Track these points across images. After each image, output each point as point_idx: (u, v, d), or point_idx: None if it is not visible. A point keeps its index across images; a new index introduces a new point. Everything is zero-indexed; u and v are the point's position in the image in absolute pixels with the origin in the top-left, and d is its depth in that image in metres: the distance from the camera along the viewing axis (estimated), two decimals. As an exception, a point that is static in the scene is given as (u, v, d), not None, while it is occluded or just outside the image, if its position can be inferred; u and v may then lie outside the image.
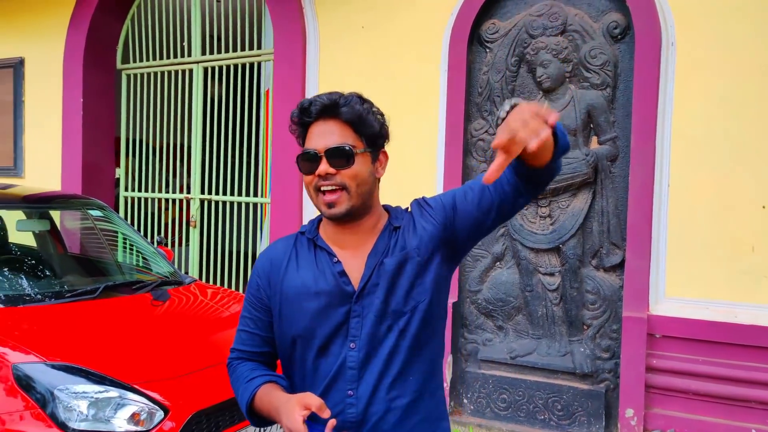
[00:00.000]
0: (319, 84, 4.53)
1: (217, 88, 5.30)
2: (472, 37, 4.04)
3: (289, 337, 1.45)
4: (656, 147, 3.61)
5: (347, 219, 1.43)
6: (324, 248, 1.46)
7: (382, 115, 1.47)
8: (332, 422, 1.27)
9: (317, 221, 1.53)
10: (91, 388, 2.48)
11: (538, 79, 3.84)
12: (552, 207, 3.87)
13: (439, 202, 1.48)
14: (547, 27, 3.82)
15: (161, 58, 5.48)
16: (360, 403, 1.39)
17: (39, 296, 3.19)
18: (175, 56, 5.40)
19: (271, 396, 1.40)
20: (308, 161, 1.40)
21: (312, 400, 1.27)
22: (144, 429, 2.46)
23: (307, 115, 1.41)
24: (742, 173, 3.46)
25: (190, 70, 5.31)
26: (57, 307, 3.07)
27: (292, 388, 1.49)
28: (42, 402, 2.42)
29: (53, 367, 2.53)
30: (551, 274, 3.89)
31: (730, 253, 3.50)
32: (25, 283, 3.46)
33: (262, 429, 2.91)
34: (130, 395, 2.50)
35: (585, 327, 3.85)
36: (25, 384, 2.46)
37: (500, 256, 4.03)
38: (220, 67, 5.20)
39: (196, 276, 5.26)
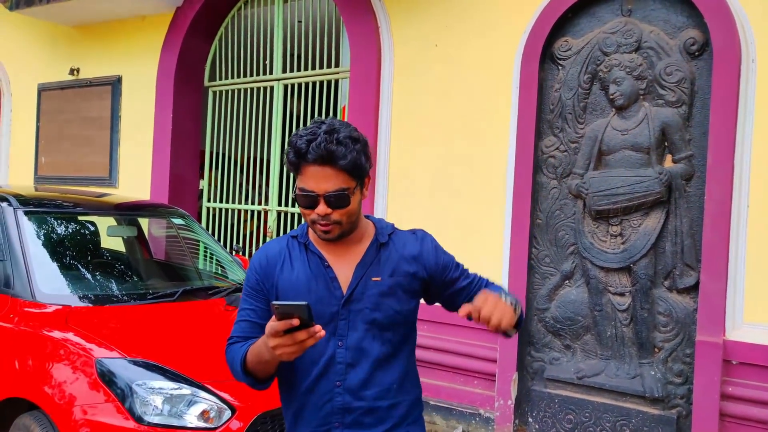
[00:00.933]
0: (392, 101, 4.66)
1: (296, 105, 5.54)
2: (545, 55, 4.06)
3: None
4: (735, 167, 3.50)
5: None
6: (315, 252, 1.64)
7: (366, 143, 1.59)
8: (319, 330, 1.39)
9: (307, 226, 1.68)
10: (167, 385, 2.65)
11: (611, 97, 3.81)
12: (623, 226, 3.81)
13: (441, 256, 1.70)
14: (621, 44, 3.80)
15: (245, 75, 5.79)
16: (346, 394, 1.58)
17: (125, 297, 3.44)
18: (258, 74, 5.69)
19: (257, 342, 1.55)
20: (306, 198, 1.54)
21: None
22: (212, 426, 2.60)
23: (303, 160, 1.52)
24: (829, 195, 3.30)
25: (272, 87, 5.58)
26: (140, 308, 3.30)
27: (280, 373, 1.64)
28: (121, 396, 2.60)
29: (133, 363, 2.73)
30: (621, 294, 3.82)
31: (815, 278, 3.33)
32: (113, 284, 3.74)
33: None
34: (202, 393, 2.65)
35: (656, 350, 3.75)
36: (107, 378, 2.65)
37: (569, 275, 4.00)
38: (300, 84, 5.43)
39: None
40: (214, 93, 6.06)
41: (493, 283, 1.74)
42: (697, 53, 3.64)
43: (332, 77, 5.19)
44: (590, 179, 3.87)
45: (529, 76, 4.07)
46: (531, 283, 4.12)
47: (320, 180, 1.51)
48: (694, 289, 3.65)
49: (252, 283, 1.68)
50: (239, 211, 5.97)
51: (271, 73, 5.58)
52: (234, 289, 3.78)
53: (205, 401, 2.64)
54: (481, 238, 4.25)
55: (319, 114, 5.31)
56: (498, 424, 4.04)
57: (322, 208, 1.52)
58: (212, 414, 2.63)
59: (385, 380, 1.60)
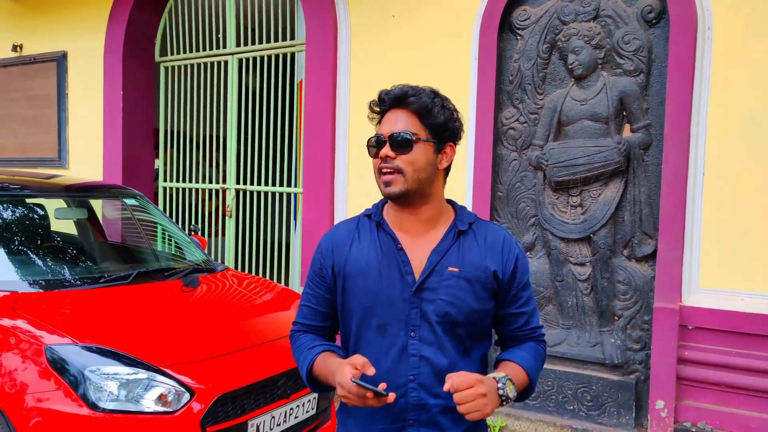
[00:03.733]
0: (350, 74, 4.56)
1: (252, 79, 5.38)
2: (503, 25, 4.01)
3: (350, 313, 1.55)
4: (691, 135, 3.53)
5: (405, 202, 1.52)
6: (388, 232, 1.54)
7: (455, 111, 1.56)
8: (383, 385, 1.34)
9: (381, 205, 1.61)
10: (122, 370, 2.56)
11: (570, 66, 3.79)
12: (583, 196, 3.82)
13: (521, 268, 1.57)
14: (579, 12, 3.77)
15: (198, 50, 5.59)
16: (421, 390, 1.48)
17: (77, 281, 3.31)
18: (211, 48, 5.50)
19: (327, 362, 1.50)
20: (375, 145, 1.52)
21: (358, 359, 1.36)
22: (171, 410, 2.53)
23: (382, 104, 1.54)
24: (780, 161, 3.36)
25: (226, 62, 5.40)
26: (92, 292, 3.16)
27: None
28: (74, 383, 2.50)
29: (86, 349, 2.62)
30: (582, 264, 3.85)
31: (765, 243, 3.40)
32: (64, 268, 3.59)
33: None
34: (159, 377, 2.57)
35: (616, 318, 3.80)
36: (58, 366, 2.55)
37: (531, 246, 4.01)
38: (254, 59, 5.27)
39: (232, 266, 5.38)
40: (166, 69, 5.84)
41: (535, 343, 1.62)
42: (654, 21, 3.64)
43: (288, 50, 5.04)
44: (550, 150, 3.87)
45: (488, 46, 4.01)
46: (493, 256, 4.11)
47: (391, 123, 1.51)
48: (651, 257, 3.70)
49: (315, 269, 1.62)
50: (197, 190, 5.82)
51: (224, 47, 5.40)
52: (191, 270, 3.68)
53: (163, 385, 2.57)
54: (443, 211, 4.22)
55: (276, 89, 5.17)
56: (463, 396, 4.06)
57: (384, 149, 1.49)
58: (170, 398, 2.56)
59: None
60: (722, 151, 3.49)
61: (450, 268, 1.49)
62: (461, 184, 4.14)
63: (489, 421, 3.96)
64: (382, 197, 1.58)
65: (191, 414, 2.56)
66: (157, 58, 5.87)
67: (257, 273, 5.53)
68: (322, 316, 1.62)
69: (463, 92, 4.12)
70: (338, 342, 1.67)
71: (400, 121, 1.49)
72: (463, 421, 1.49)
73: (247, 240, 5.43)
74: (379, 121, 1.56)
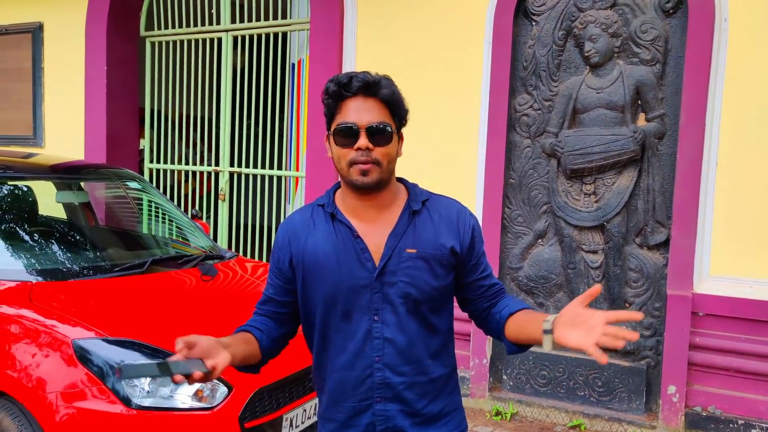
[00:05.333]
0: (356, 55, 4.45)
1: (239, 58, 5.17)
2: (518, 9, 3.96)
3: (313, 303, 1.56)
4: (705, 125, 3.57)
5: (370, 191, 1.50)
6: (343, 221, 1.53)
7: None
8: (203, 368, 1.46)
9: (332, 192, 1.59)
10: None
11: (586, 54, 3.77)
12: (597, 184, 3.84)
13: (477, 239, 1.59)
14: (597, 0, 3.75)
15: (188, 25, 5.35)
16: (386, 369, 1.52)
17: (89, 270, 3.12)
18: (202, 24, 5.27)
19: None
20: (345, 135, 1.45)
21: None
22: (208, 405, 2.44)
23: (347, 90, 1.46)
24: (792, 152, 3.44)
25: (219, 39, 5.18)
26: (108, 282, 3.00)
27: (314, 349, 1.62)
28: (104, 378, 2.38)
29: (114, 342, 2.49)
30: (594, 252, 3.88)
31: (776, 232, 3.49)
32: (72, 257, 3.37)
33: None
34: None
35: (627, 305, 3.85)
36: (86, 361, 2.41)
37: (542, 234, 4.01)
38: (250, 36, 5.07)
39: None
40: (152, 44, 5.57)
41: (512, 298, 1.64)
42: (671, 11, 3.65)
43: (286, 29, 4.88)
44: (565, 138, 3.86)
45: (503, 31, 3.96)
46: (504, 243, 4.11)
47: (362, 112, 1.45)
48: (664, 245, 3.75)
49: (274, 259, 1.62)
50: (178, 172, 5.60)
51: (218, 23, 5.17)
52: (204, 257, 3.54)
53: None
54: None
55: (274, 69, 4.99)
56: (473, 383, 4.07)
57: (363, 141, 1.44)
58: (206, 393, 2.46)
59: (423, 355, 1.53)
60: (735, 141, 3.55)
61: (408, 250, 1.51)
62: (473, 170, 4.11)
63: (500, 407, 3.98)
64: (335, 184, 1.60)
65: (229, 409, 2.46)
66: (143, 33, 5.59)
67: (248, 256, 5.38)
68: (277, 305, 1.64)
69: (476, 77, 4.07)
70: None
71: (373, 111, 1.45)
72: (427, 395, 1.54)
73: (236, 223, 5.28)
74: (335, 106, 1.49)
